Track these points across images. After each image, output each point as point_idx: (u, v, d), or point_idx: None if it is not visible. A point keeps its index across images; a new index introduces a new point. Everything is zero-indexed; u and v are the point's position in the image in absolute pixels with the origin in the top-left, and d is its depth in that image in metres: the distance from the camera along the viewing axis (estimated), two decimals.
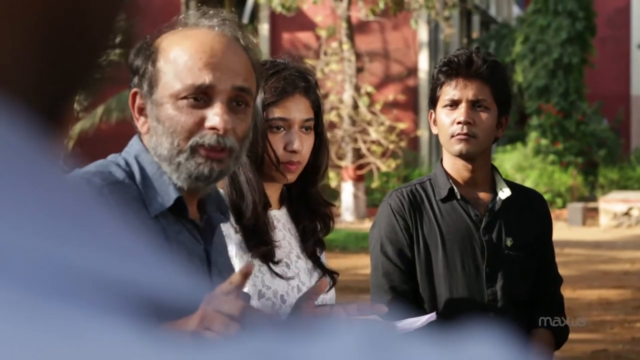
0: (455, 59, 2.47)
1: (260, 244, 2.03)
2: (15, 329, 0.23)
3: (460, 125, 2.45)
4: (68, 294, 0.26)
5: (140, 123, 1.55)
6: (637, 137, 35.65)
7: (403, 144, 21.48)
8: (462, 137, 2.45)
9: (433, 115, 2.55)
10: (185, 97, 1.52)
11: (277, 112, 2.06)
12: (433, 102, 2.54)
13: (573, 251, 13.00)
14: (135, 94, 1.55)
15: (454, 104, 2.47)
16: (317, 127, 2.16)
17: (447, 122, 2.48)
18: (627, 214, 18.42)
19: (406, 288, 2.41)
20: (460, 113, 2.45)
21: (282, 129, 2.07)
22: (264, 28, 27.21)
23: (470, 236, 2.47)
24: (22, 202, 0.27)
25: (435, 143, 27.55)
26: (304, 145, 2.07)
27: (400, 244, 2.45)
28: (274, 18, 26.53)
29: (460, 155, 2.48)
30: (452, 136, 2.47)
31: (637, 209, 18.59)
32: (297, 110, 2.08)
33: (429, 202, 2.51)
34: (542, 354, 2.39)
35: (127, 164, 1.54)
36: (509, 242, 2.48)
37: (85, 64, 0.35)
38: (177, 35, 1.56)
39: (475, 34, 30.77)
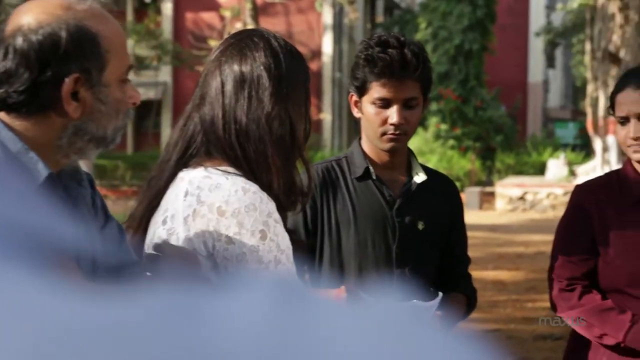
0: (388, 58, 2.39)
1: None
2: None
3: (393, 127, 2.41)
4: None
5: (72, 108, 1.54)
6: (533, 124, 36.63)
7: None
8: (394, 137, 2.43)
9: (355, 99, 2.49)
10: (125, 79, 1.61)
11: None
12: (359, 91, 2.46)
13: (470, 234, 13.16)
14: (75, 79, 1.53)
15: (386, 103, 2.42)
16: None
17: (377, 120, 2.43)
18: (522, 198, 18.94)
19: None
20: (393, 114, 2.41)
21: None
22: (167, 7, 26.87)
23: (383, 216, 2.47)
24: None
25: (337, 126, 27.76)
26: None
27: (296, 222, 2.43)
28: None
29: (390, 151, 2.48)
30: (384, 134, 2.43)
31: (532, 194, 19.14)
32: None
33: (344, 179, 2.50)
34: (452, 313, 2.41)
35: None
36: (420, 226, 2.50)
37: None
38: (94, 15, 1.57)
39: (379, 19, 31.05)
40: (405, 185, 2.53)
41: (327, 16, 26.19)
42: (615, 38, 15.30)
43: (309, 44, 26.38)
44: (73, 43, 1.52)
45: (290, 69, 1.80)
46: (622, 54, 15.10)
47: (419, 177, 2.53)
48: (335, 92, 27.04)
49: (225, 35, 20.76)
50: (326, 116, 25.95)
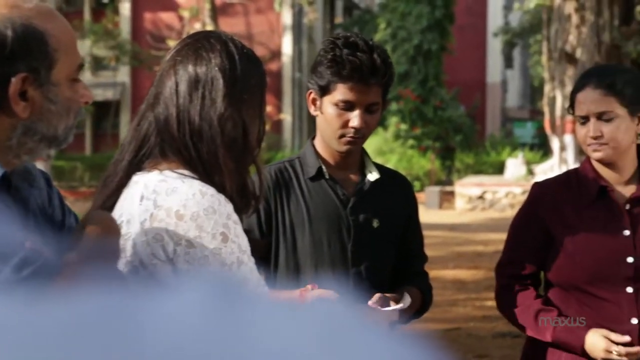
0: (357, 62, 2.37)
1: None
2: None
3: (353, 130, 2.41)
4: None
5: (21, 108, 1.52)
6: (492, 123, 36.91)
7: (266, 127, 21.52)
8: (352, 139, 2.43)
9: (314, 97, 2.47)
10: (75, 78, 1.58)
11: None
12: (322, 90, 2.43)
13: (430, 233, 13.35)
14: (23, 79, 1.50)
15: (349, 106, 2.41)
16: None
17: (338, 122, 2.42)
18: (481, 197, 19.07)
19: None
20: (355, 118, 2.40)
21: None
22: (125, 7, 26.65)
23: (338, 216, 2.47)
24: None
25: (298, 127, 27.76)
26: None
27: (250, 224, 2.42)
28: None
29: (346, 152, 2.48)
30: (342, 136, 2.43)
31: (491, 193, 19.28)
32: None
33: (297, 180, 2.49)
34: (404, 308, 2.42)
35: None
36: (375, 224, 2.50)
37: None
38: (40, 14, 1.54)
39: (338, 19, 31.10)
40: (359, 184, 2.53)
41: (287, 16, 26.17)
42: (572, 38, 15.47)
43: (269, 44, 26.33)
44: (19, 42, 1.49)
45: (245, 72, 1.79)
46: (578, 54, 15.26)
47: (372, 176, 2.54)
48: (296, 92, 27.02)
49: (184, 36, 20.70)
50: (286, 117, 25.92)
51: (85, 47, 25.29)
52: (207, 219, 1.65)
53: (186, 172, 1.73)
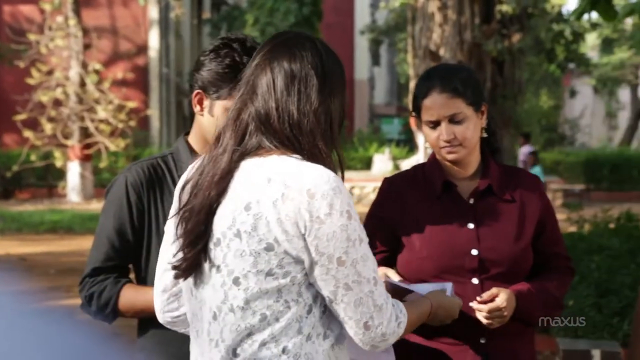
0: None
1: None
2: None
3: None
4: None
5: None
6: (360, 120, 37.46)
7: (132, 123, 21.17)
8: None
9: (200, 97, 2.40)
10: None
11: None
12: (215, 93, 2.37)
13: None
14: None
15: None
16: None
17: None
18: (349, 192, 19.28)
19: (112, 265, 2.42)
20: None
21: None
22: None
23: None
24: None
25: (165, 122, 27.40)
26: None
27: (122, 219, 2.41)
28: None
29: None
30: None
31: (359, 188, 19.53)
32: None
33: (171, 176, 2.46)
34: None
35: None
36: None
37: None
38: None
39: (206, 15, 30.90)
40: None
41: (153, 11, 25.79)
42: (435, 37, 15.83)
43: (135, 38, 25.90)
44: None
45: (331, 69, 1.95)
46: (442, 52, 15.64)
47: None
48: (163, 87, 26.67)
49: (46, 29, 20.05)
50: (154, 112, 25.55)
51: None
52: (336, 197, 1.81)
53: (297, 156, 1.87)
